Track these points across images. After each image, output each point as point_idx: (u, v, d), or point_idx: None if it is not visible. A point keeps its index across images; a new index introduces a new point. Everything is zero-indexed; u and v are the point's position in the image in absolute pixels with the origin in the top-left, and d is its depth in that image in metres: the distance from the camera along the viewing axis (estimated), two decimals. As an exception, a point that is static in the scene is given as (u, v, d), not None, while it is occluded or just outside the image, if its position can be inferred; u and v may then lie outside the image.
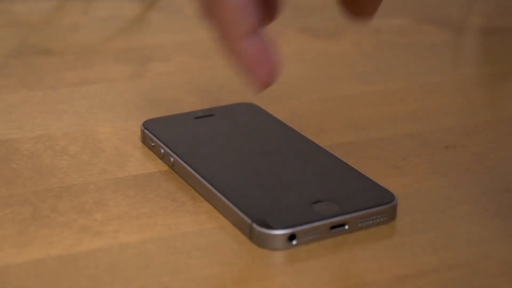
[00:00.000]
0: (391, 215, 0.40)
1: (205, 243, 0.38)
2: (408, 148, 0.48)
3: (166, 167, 0.45)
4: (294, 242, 0.38)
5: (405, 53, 0.64)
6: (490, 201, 0.42)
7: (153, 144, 0.47)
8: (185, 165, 0.43)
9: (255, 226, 0.38)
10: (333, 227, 0.39)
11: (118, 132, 0.50)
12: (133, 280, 0.36)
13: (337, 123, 0.51)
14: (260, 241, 0.38)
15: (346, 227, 0.39)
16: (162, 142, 0.46)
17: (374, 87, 0.57)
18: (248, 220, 0.39)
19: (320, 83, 0.58)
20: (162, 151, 0.46)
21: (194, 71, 0.59)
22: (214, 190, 0.41)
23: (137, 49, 0.64)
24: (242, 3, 0.38)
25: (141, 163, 0.46)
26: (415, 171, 0.45)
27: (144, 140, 0.48)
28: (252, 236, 0.38)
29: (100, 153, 0.47)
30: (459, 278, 0.36)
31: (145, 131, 0.47)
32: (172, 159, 0.45)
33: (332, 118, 0.52)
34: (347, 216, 0.39)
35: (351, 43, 0.65)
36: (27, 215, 0.41)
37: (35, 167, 0.45)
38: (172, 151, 0.45)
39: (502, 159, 0.47)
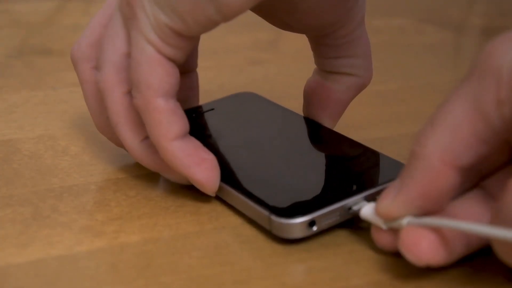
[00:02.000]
0: None
1: (206, 244, 0.38)
2: (408, 149, 0.48)
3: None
4: (315, 228, 0.38)
5: (406, 53, 0.64)
6: (490, 201, 0.42)
7: None
8: None
9: (273, 217, 0.38)
10: (352, 207, 0.38)
11: (119, 132, 0.50)
12: (134, 280, 0.36)
13: (337, 123, 0.51)
14: (281, 232, 0.38)
15: None
16: None
17: (374, 87, 0.57)
18: (266, 213, 0.38)
19: (321, 83, 0.58)
20: None
21: (194, 71, 0.59)
22: (225, 186, 0.41)
23: (138, 49, 0.64)
24: (173, 105, 0.39)
25: (142, 163, 0.46)
26: (416, 171, 0.45)
27: None
28: (272, 227, 0.38)
29: (101, 153, 0.47)
30: (460, 278, 0.36)
31: None
32: None
33: (332, 118, 0.52)
34: (365, 193, 0.38)
35: (352, 43, 0.65)
36: (27, 215, 0.41)
37: (36, 167, 0.45)
38: None
39: (502, 159, 0.47)
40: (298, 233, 0.37)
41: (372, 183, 0.39)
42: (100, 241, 0.39)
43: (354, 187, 0.39)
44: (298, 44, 0.65)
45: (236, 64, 0.61)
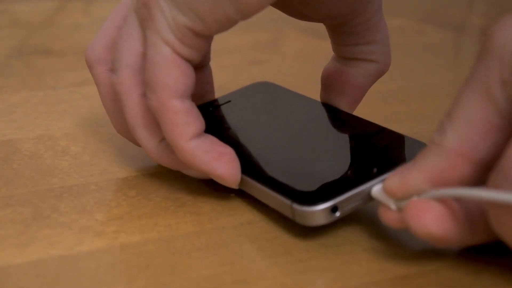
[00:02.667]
0: None
1: (206, 244, 0.38)
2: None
3: (166, 168, 0.45)
4: (338, 214, 0.37)
5: (406, 53, 0.64)
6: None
7: None
8: None
9: (295, 206, 0.37)
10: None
11: (119, 132, 0.50)
12: (134, 280, 0.36)
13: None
14: (304, 219, 0.37)
15: None
16: None
17: (375, 87, 0.57)
18: (288, 201, 0.38)
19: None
20: None
21: (194, 71, 0.59)
22: (246, 178, 0.40)
23: (138, 49, 0.64)
24: (188, 106, 0.39)
25: (142, 163, 0.46)
26: (416, 171, 0.45)
27: None
28: (295, 216, 0.38)
29: (101, 154, 0.47)
30: (460, 278, 0.36)
31: None
32: None
33: (332, 118, 0.52)
34: (385, 175, 0.38)
35: (352, 43, 0.65)
36: (27, 215, 0.41)
37: (36, 167, 0.45)
38: None
39: (502, 160, 0.47)
40: (321, 220, 0.37)
41: (393, 165, 0.38)
42: (100, 241, 0.39)
43: (375, 170, 0.38)
44: (299, 44, 0.65)
45: (237, 64, 0.61)
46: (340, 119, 0.44)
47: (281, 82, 0.57)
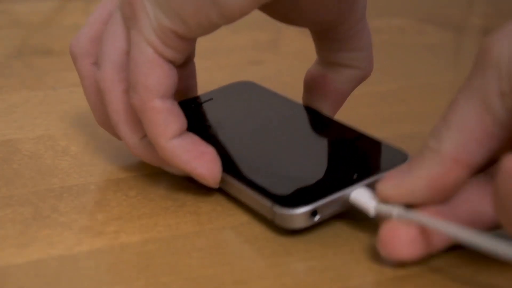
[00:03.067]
0: None
1: (206, 244, 0.38)
2: (409, 149, 0.48)
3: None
4: (317, 218, 0.38)
5: (406, 53, 0.64)
6: (490, 202, 0.42)
7: None
8: None
9: (276, 207, 0.38)
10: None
11: (119, 132, 0.50)
12: (134, 280, 0.36)
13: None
14: (284, 222, 0.38)
15: None
16: None
17: (375, 87, 0.57)
18: (268, 203, 0.38)
19: (321, 83, 0.58)
20: None
21: (194, 71, 0.59)
22: (227, 177, 0.41)
23: (138, 49, 0.64)
24: (170, 105, 0.39)
25: (142, 163, 0.46)
26: (416, 171, 0.45)
27: None
28: (275, 218, 0.38)
29: (101, 153, 0.47)
30: (460, 278, 0.36)
31: None
32: None
33: (332, 119, 0.52)
34: (365, 181, 0.38)
35: (352, 43, 0.65)
36: (27, 215, 0.41)
37: (36, 167, 0.45)
38: None
39: (502, 160, 0.47)
40: (301, 223, 0.37)
41: (373, 171, 0.39)
42: (100, 241, 0.39)
43: (355, 176, 0.39)
44: (298, 45, 0.65)
45: (236, 64, 0.61)
46: (322, 123, 0.44)
47: (280, 82, 0.57)
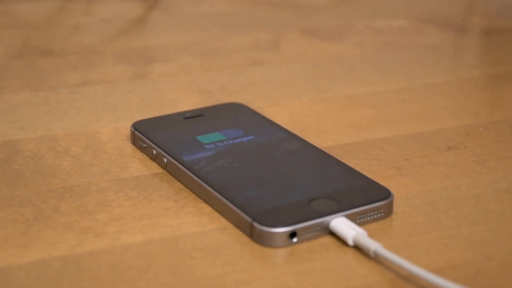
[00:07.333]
0: (388, 211, 0.40)
1: (207, 244, 0.39)
2: (410, 149, 0.48)
3: (168, 168, 0.45)
4: (295, 239, 0.38)
5: (407, 53, 0.64)
6: (492, 202, 0.42)
7: (144, 145, 0.47)
8: (180, 166, 0.43)
9: (256, 224, 0.38)
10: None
11: (120, 133, 0.50)
12: (135, 281, 0.36)
13: (339, 124, 0.51)
14: (261, 240, 0.38)
15: None
16: (154, 143, 0.46)
17: (376, 88, 0.57)
18: (249, 219, 0.39)
19: (322, 84, 0.58)
20: (154, 152, 0.46)
21: (195, 72, 0.59)
22: (211, 190, 0.41)
23: (139, 50, 0.64)
24: None
25: (143, 164, 0.46)
26: (417, 172, 0.45)
27: (135, 141, 0.48)
28: (253, 234, 0.38)
29: (102, 154, 0.47)
30: (461, 279, 0.36)
31: (136, 132, 0.47)
32: (165, 160, 0.45)
33: (333, 119, 0.52)
34: (346, 212, 0.39)
35: (353, 44, 0.65)
36: (29, 216, 0.41)
37: (37, 168, 0.45)
38: (165, 152, 0.45)
39: (504, 160, 0.47)
40: (278, 243, 0.38)
41: (354, 204, 0.40)
42: (102, 242, 0.39)
43: (337, 205, 0.40)
44: (299, 45, 0.65)
45: (237, 65, 0.61)
46: (308, 152, 0.45)
47: (281, 83, 0.58)
